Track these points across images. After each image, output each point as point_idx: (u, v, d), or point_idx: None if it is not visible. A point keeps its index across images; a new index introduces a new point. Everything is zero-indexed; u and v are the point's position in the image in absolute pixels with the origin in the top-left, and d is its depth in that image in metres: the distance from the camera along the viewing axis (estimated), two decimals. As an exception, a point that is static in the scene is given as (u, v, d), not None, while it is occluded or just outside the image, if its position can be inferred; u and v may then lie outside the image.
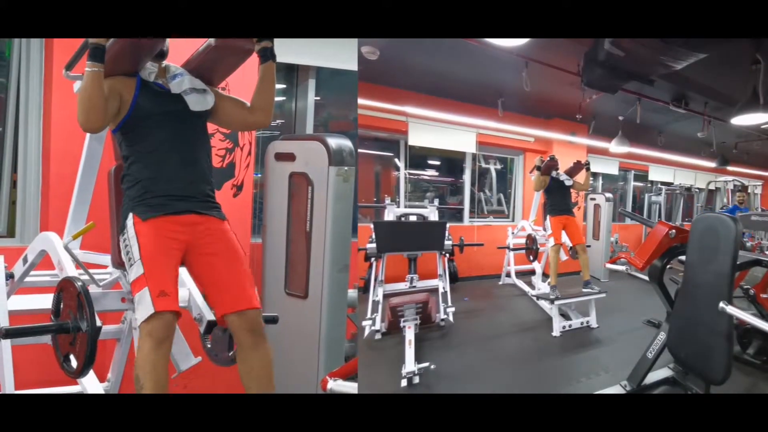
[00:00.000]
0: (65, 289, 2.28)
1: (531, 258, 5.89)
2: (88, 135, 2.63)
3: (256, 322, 2.20)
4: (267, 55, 2.28)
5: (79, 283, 2.21)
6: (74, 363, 2.19)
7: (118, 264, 2.31)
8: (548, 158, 5.20)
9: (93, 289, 2.36)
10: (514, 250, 6.23)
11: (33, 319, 2.43)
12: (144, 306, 2.02)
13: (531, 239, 5.89)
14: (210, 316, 2.38)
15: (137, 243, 2.11)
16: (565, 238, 5.17)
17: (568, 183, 5.25)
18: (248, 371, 2.19)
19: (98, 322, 2.15)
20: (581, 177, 5.47)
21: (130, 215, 2.17)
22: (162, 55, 2.31)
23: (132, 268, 2.11)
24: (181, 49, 2.40)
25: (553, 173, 5.19)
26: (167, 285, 2.07)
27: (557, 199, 5.23)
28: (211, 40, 2.23)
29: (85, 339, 2.13)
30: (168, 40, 2.31)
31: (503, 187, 7.77)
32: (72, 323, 2.20)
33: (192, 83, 2.29)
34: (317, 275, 3.25)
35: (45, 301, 2.47)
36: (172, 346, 2.10)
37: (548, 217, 5.24)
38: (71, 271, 2.41)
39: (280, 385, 2.46)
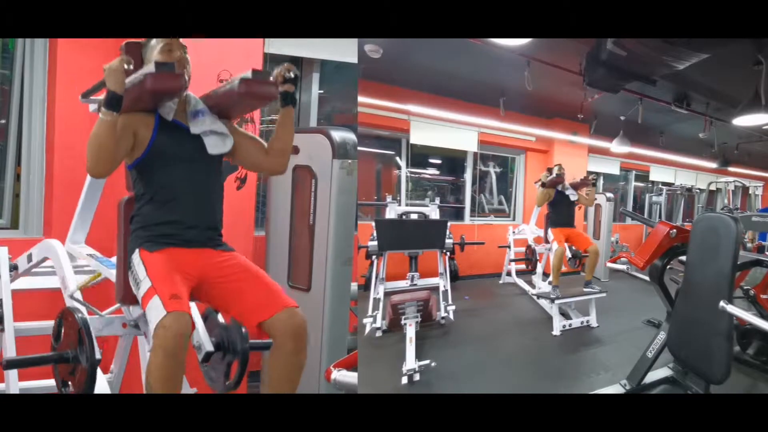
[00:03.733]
0: (66, 319, 2.30)
1: (529, 268, 5.89)
2: None
3: (300, 326, 2.10)
4: (287, 100, 2.23)
5: (80, 315, 2.22)
6: (71, 389, 2.23)
7: (122, 299, 2.31)
8: (555, 174, 5.17)
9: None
10: (516, 260, 6.20)
11: (40, 298, 2.44)
12: (155, 311, 1.94)
13: (530, 250, 5.89)
14: (209, 346, 2.34)
15: (144, 267, 2.08)
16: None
17: (573, 198, 5.23)
18: (279, 375, 2.11)
19: (98, 355, 2.16)
20: (586, 191, 5.43)
21: (137, 251, 2.14)
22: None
23: (140, 288, 2.05)
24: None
25: (559, 187, 5.17)
26: (177, 289, 2.01)
27: (560, 213, 5.22)
28: (236, 83, 2.17)
29: (84, 372, 2.15)
30: (189, 72, 2.28)
31: (504, 187, 7.78)
32: (72, 353, 2.23)
33: (212, 125, 2.24)
34: (320, 268, 3.26)
35: (53, 281, 2.50)
36: (185, 361, 2.00)
37: (550, 229, 5.21)
38: (74, 288, 2.44)
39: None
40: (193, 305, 2.33)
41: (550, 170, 5.36)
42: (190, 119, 2.24)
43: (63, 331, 2.31)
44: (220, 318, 2.43)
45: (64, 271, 2.55)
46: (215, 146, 2.24)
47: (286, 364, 2.11)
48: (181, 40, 2.30)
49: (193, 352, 2.53)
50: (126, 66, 1.99)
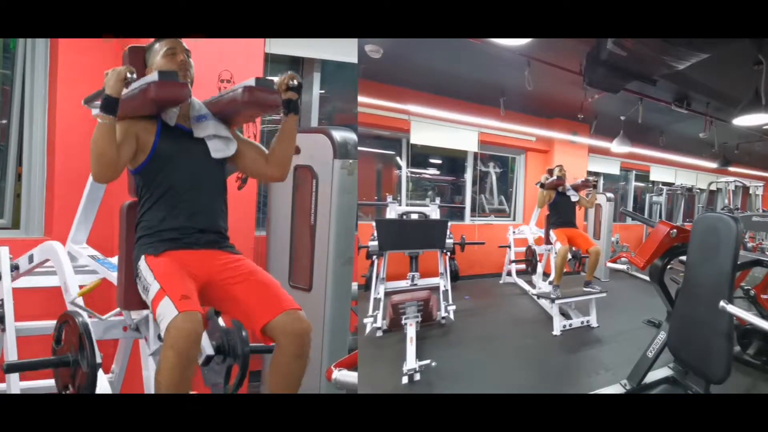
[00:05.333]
0: (67, 323, 2.30)
1: (529, 270, 5.89)
2: None
3: (304, 330, 2.09)
4: (290, 107, 2.22)
5: (80, 319, 2.22)
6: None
7: (124, 305, 2.30)
8: (556, 176, 5.17)
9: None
10: (516, 261, 6.20)
11: (42, 298, 2.44)
12: (167, 312, 1.93)
13: (530, 251, 5.89)
14: (209, 350, 2.32)
15: (151, 271, 2.08)
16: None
17: (574, 199, 5.23)
18: (283, 378, 2.10)
19: (98, 359, 2.16)
20: (587, 192, 5.43)
21: (142, 257, 2.14)
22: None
23: (149, 292, 2.05)
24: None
25: (559, 188, 5.17)
26: (187, 291, 2.01)
27: (561, 214, 5.21)
28: (239, 91, 2.17)
29: (85, 377, 2.15)
30: (192, 75, 2.28)
31: (504, 186, 7.78)
32: (72, 357, 2.22)
33: (216, 129, 2.24)
34: (321, 268, 3.26)
35: (54, 280, 2.51)
36: (197, 365, 2.02)
37: (552, 230, 5.22)
38: (75, 293, 2.44)
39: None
40: None
41: (550, 171, 5.36)
42: (194, 123, 2.24)
43: (64, 334, 2.31)
44: (221, 321, 2.43)
45: (66, 274, 2.54)
46: (219, 150, 2.25)
47: (286, 368, 2.10)
48: (181, 40, 2.30)
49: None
50: (129, 75, 1.98)
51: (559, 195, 5.20)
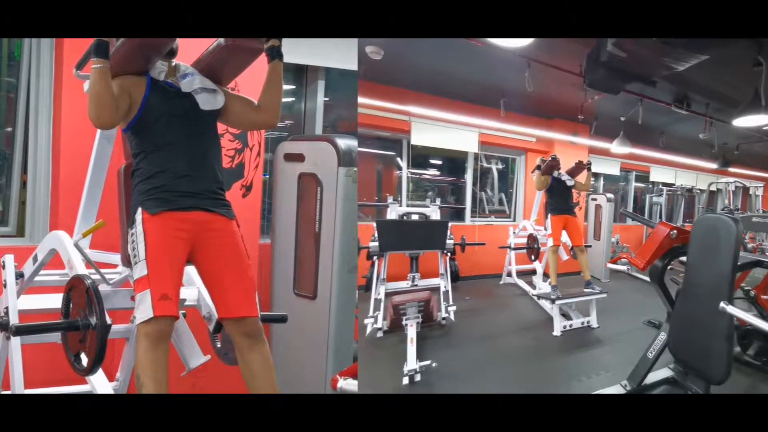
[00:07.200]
0: (75, 287, 2.28)
1: (532, 257, 5.91)
2: (97, 134, 2.64)
3: (253, 328, 2.23)
4: (274, 54, 2.30)
5: (89, 281, 2.21)
6: (84, 361, 2.19)
7: (128, 262, 2.31)
8: (550, 158, 5.21)
9: (103, 288, 2.36)
10: (515, 249, 6.25)
11: (43, 318, 2.43)
12: (144, 308, 2.03)
13: (532, 239, 5.91)
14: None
15: (144, 241, 2.12)
16: (565, 237, 5.19)
17: (569, 183, 5.27)
18: (249, 369, 2.22)
19: (108, 319, 2.15)
20: (582, 177, 5.48)
21: (139, 210, 2.18)
22: (172, 53, 2.33)
23: (137, 266, 2.11)
24: (189, 50, 2.41)
25: (555, 173, 5.20)
26: (169, 288, 2.08)
27: (559, 199, 5.24)
28: (221, 40, 2.24)
29: (95, 336, 2.13)
30: (177, 39, 2.33)
31: (505, 187, 7.79)
32: (82, 320, 2.20)
33: (202, 83, 2.31)
34: (326, 276, 3.26)
35: (55, 301, 2.47)
36: (170, 344, 2.12)
37: (549, 216, 5.25)
38: (81, 269, 2.40)
39: (290, 384, 2.44)
40: (197, 276, 2.40)
41: (543, 160, 5.38)
42: (180, 80, 2.31)
43: (72, 300, 2.28)
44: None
45: (70, 253, 2.51)
46: (207, 102, 2.30)
47: (246, 359, 2.22)
48: (181, 40, 2.34)
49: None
50: None
51: (555, 180, 5.23)
